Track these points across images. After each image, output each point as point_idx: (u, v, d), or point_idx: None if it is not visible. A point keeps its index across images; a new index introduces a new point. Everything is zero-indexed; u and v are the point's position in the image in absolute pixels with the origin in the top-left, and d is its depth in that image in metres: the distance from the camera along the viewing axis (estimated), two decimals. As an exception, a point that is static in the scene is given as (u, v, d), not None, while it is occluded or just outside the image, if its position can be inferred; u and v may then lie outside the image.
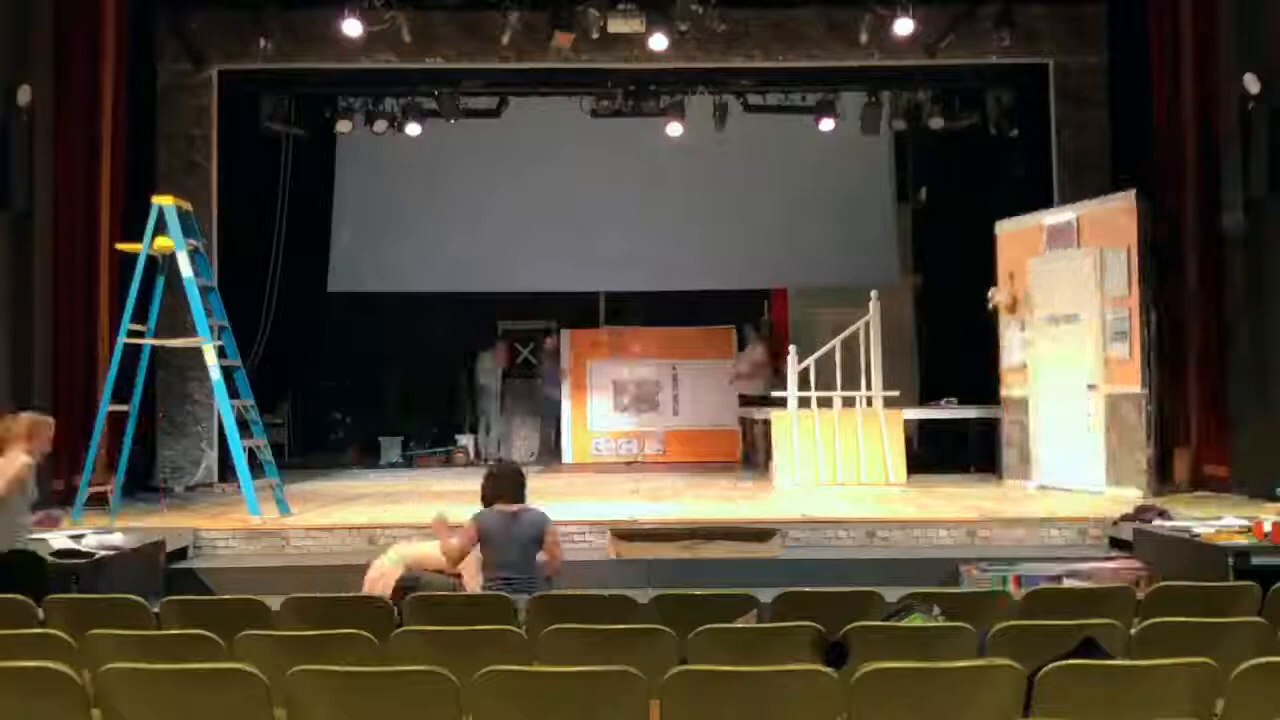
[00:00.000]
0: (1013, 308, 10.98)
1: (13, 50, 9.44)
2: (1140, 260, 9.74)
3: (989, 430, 11.94)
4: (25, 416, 6.28)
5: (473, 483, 11.84)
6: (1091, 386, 10.02)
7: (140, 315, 9.04)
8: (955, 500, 9.73)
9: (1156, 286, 10.02)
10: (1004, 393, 11.12)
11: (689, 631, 4.14)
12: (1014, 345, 10.96)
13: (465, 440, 15.02)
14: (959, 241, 13.94)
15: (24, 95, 9.32)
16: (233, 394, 8.93)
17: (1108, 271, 9.97)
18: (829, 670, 3.56)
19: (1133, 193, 9.95)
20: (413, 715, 3.49)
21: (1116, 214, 10.00)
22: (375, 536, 8.32)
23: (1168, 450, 10.14)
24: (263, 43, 10.88)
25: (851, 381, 11.51)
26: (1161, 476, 10.10)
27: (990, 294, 11.26)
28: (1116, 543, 8.03)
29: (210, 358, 8.74)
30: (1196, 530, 7.06)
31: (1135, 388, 9.73)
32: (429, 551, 6.50)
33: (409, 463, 14.72)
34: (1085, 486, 9.99)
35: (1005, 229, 11.18)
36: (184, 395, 11.50)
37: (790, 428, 11.34)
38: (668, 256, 14.66)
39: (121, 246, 9.39)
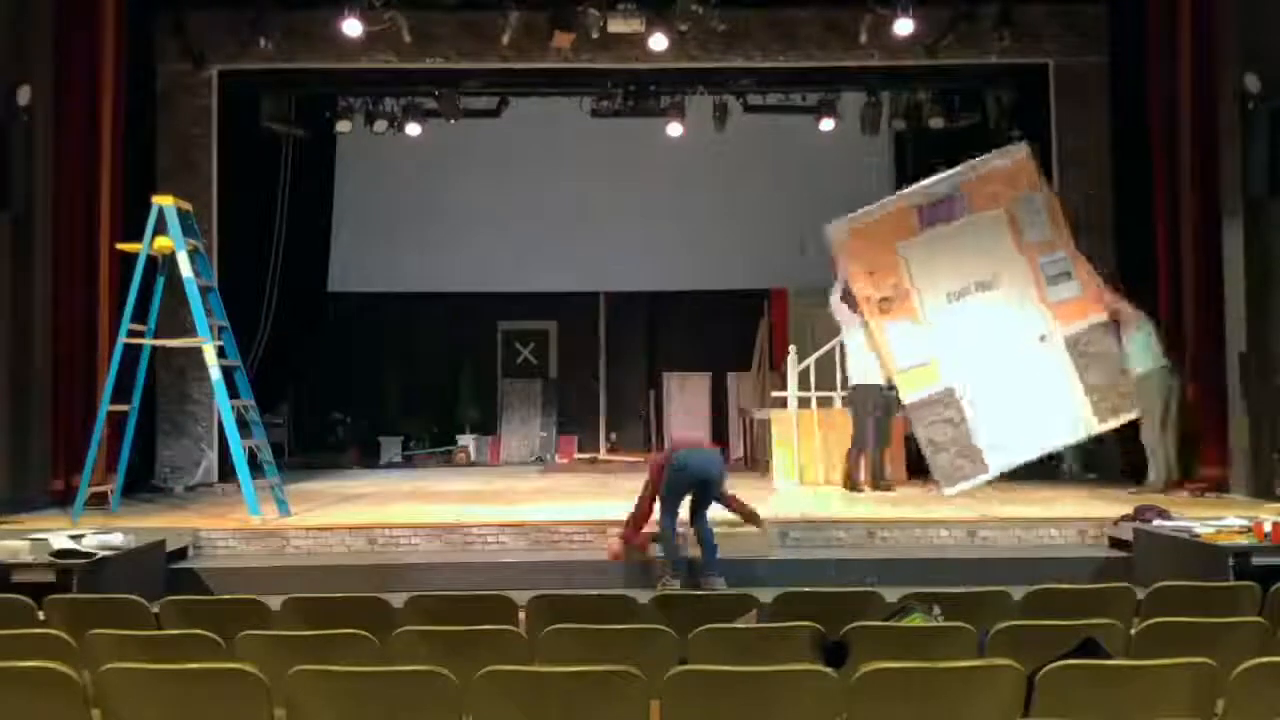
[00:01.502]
0: (887, 307, 10.17)
1: (13, 50, 9.45)
2: (1059, 199, 9.80)
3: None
4: None
5: (473, 483, 11.97)
6: (1042, 338, 9.89)
7: (140, 315, 9.04)
8: (955, 500, 9.72)
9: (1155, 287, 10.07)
10: (908, 399, 10.08)
11: (689, 631, 4.15)
12: (905, 344, 10.07)
13: (465, 440, 15.03)
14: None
15: (24, 95, 9.32)
16: (233, 394, 8.93)
17: (1024, 224, 9.96)
18: (829, 670, 3.56)
19: (1023, 144, 10.25)
20: (413, 715, 3.49)
21: (1008, 171, 10.11)
22: (375, 537, 8.35)
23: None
24: (263, 43, 10.86)
25: (851, 382, 11.49)
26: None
27: (835, 303, 10.58)
28: (1116, 542, 8.03)
29: (210, 358, 8.74)
30: (1196, 530, 7.06)
31: (1099, 315, 9.77)
32: None
33: (409, 463, 14.72)
34: (1062, 440, 9.97)
35: (848, 227, 10.23)
36: (184, 395, 11.49)
37: (790, 428, 11.34)
38: (668, 257, 14.68)
39: (121, 246, 9.39)
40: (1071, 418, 9.87)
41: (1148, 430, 9.81)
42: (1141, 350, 9.76)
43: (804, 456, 11.27)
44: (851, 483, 10.48)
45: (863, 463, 10.55)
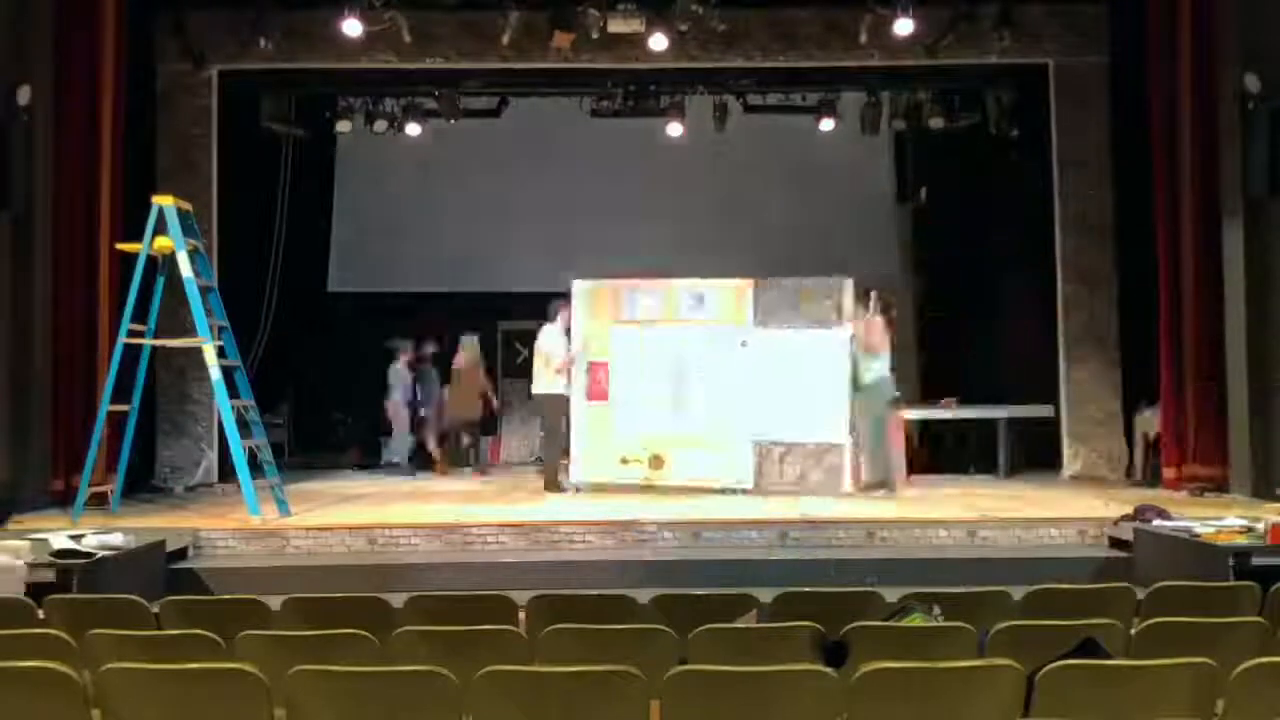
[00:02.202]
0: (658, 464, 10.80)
1: (13, 50, 9.44)
2: None
3: (990, 430, 11.96)
4: None
5: (473, 483, 11.97)
6: (743, 343, 10.37)
7: (140, 315, 9.04)
8: (955, 500, 9.73)
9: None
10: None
11: (689, 631, 4.15)
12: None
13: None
14: (959, 241, 13.96)
15: (24, 95, 9.32)
16: (233, 394, 8.93)
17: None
18: (829, 670, 3.56)
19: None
20: (413, 715, 3.49)
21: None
22: (375, 537, 8.35)
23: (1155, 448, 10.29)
24: (263, 43, 10.86)
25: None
26: (1157, 476, 10.22)
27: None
28: (1116, 542, 8.04)
29: (210, 358, 8.74)
30: (1196, 530, 7.06)
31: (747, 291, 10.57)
32: None
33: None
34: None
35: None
36: (184, 395, 11.48)
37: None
38: (668, 257, 14.64)
39: (121, 246, 9.39)
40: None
41: (873, 436, 10.31)
42: (880, 366, 10.27)
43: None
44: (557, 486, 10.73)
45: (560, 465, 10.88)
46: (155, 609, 4.89)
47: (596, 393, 10.72)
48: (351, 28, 10.43)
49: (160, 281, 9.19)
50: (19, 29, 9.50)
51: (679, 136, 13.10)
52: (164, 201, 8.91)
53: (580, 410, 10.73)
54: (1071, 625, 4.06)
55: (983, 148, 13.30)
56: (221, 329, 9.05)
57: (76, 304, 10.00)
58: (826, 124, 13.10)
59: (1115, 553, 7.94)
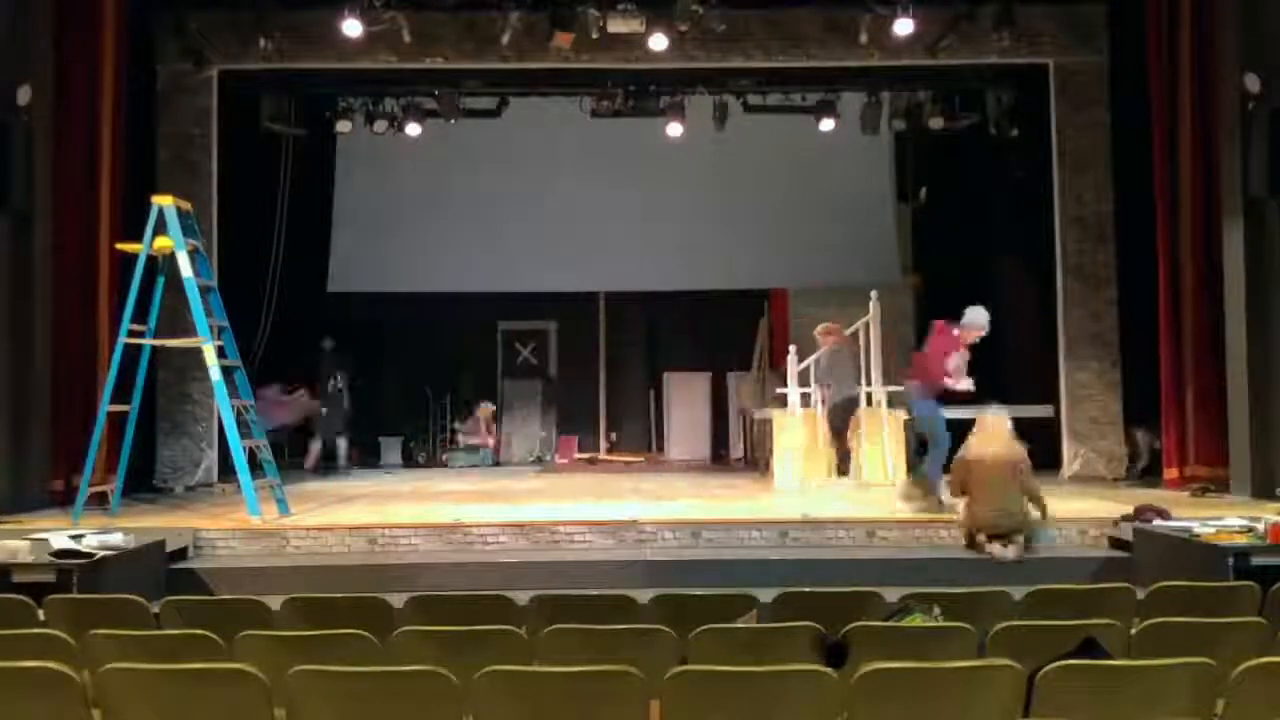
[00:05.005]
0: None
1: (13, 50, 9.44)
2: None
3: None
4: None
5: (473, 483, 11.97)
6: None
7: (140, 315, 9.03)
8: (955, 500, 9.71)
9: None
10: None
11: (689, 631, 4.15)
12: None
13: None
14: (959, 241, 13.95)
15: (24, 95, 9.32)
16: (233, 394, 8.92)
17: None
18: (829, 670, 3.56)
19: None
20: (413, 715, 3.49)
21: None
22: (375, 537, 8.35)
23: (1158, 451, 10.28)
24: (263, 43, 10.86)
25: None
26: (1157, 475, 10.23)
27: None
28: (1116, 542, 8.03)
29: (210, 358, 8.74)
30: (1196, 530, 7.06)
31: None
32: None
33: (408, 463, 14.71)
34: None
35: None
36: (184, 395, 11.48)
37: (790, 428, 11.33)
38: (668, 257, 14.66)
39: (121, 246, 9.38)
40: None
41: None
42: None
43: (805, 456, 11.26)
44: None
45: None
46: (155, 609, 4.89)
47: None
48: (351, 28, 10.43)
49: (160, 281, 9.18)
50: (19, 29, 9.49)
51: (679, 136, 13.10)
52: (164, 201, 8.90)
53: None
54: (1071, 625, 4.07)
55: (983, 148, 13.30)
56: (221, 329, 9.04)
57: (76, 304, 9.99)
58: (826, 124, 13.10)
59: (1115, 553, 7.94)
